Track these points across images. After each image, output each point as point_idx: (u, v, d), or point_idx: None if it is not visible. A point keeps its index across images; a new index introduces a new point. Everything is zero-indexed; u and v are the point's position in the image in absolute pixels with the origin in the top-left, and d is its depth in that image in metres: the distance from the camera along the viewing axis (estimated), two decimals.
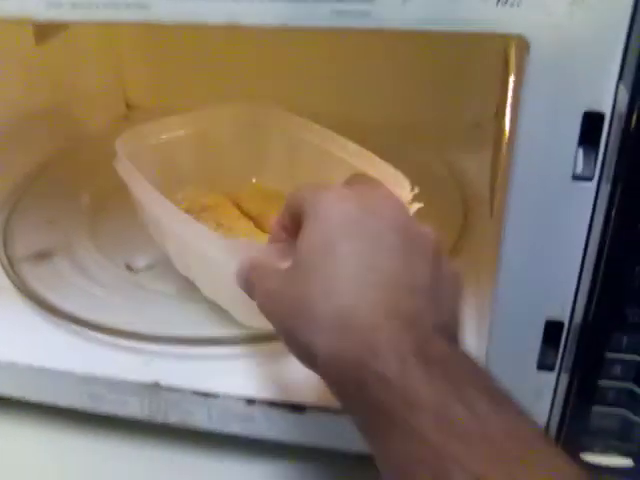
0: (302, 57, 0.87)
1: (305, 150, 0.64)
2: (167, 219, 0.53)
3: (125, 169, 0.57)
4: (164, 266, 0.62)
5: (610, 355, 0.40)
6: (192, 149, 0.66)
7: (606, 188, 0.36)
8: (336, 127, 0.81)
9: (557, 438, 0.44)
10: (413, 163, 0.77)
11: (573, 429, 0.44)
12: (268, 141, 0.65)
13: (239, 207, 0.66)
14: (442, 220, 0.49)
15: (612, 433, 0.43)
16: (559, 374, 0.43)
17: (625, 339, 0.40)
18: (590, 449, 0.44)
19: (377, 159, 0.56)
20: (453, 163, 0.78)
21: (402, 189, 0.50)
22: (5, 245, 0.67)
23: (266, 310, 0.38)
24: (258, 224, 0.63)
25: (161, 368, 0.54)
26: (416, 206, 0.49)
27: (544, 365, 0.43)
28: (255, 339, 0.54)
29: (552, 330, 0.42)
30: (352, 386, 0.31)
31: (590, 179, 0.37)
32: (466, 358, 0.31)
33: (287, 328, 0.35)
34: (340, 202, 0.35)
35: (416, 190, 0.50)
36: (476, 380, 0.30)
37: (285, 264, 0.37)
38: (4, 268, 0.63)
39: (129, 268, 0.64)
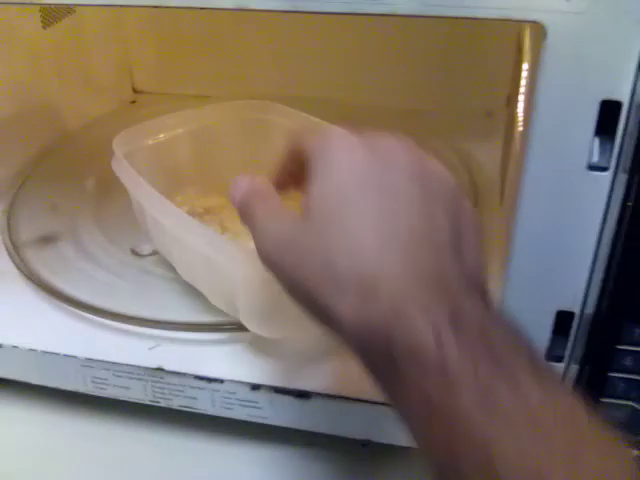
0: (310, 41, 0.86)
1: None
2: (173, 224, 0.53)
3: (123, 170, 0.56)
4: None
5: (621, 347, 0.40)
6: (192, 148, 0.65)
7: (622, 179, 0.36)
8: (344, 112, 0.81)
9: None
10: (423, 149, 0.78)
11: None
12: (271, 139, 0.63)
13: None
14: None
15: (621, 425, 0.43)
16: (568, 365, 0.43)
17: (637, 331, 0.39)
18: None
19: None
20: (463, 150, 0.77)
21: None
22: (9, 229, 0.66)
23: (272, 258, 0.33)
24: None
25: (165, 353, 0.54)
26: None
27: (553, 356, 0.43)
28: None
29: (563, 320, 0.41)
30: (381, 358, 0.28)
31: (606, 169, 0.36)
32: (501, 320, 0.28)
33: (300, 284, 0.31)
34: (350, 151, 0.32)
35: None
36: (517, 350, 0.27)
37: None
38: (9, 252, 0.63)
39: (134, 253, 0.64)
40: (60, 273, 0.61)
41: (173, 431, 0.56)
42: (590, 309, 0.40)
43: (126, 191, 0.57)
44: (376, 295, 0.28)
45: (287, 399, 0.50)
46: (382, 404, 0.48)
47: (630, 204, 0.36)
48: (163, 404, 0.54)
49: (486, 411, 0.25)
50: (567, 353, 0.42)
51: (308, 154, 0.34)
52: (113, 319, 0.55)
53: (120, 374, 0.53)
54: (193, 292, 0.57)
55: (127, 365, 0.53)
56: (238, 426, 0.54)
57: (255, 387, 0.51)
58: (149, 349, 0.54)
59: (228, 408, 0.52)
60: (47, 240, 0.66)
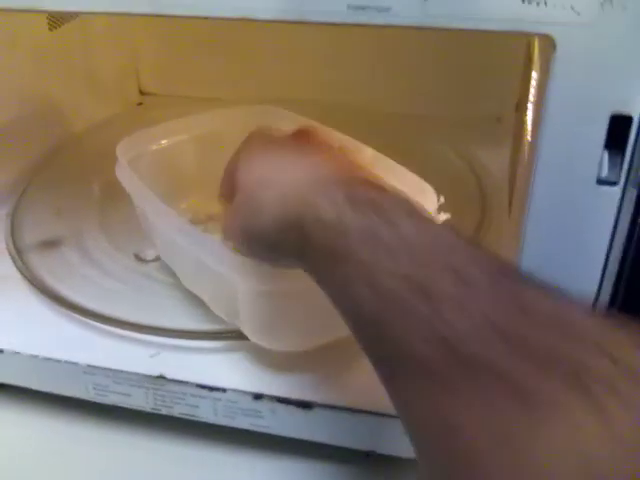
0: (319, 44, 0.85)
1: None
2: (174, 233, 0.52)
3: (126, 176, 0.56)
4: None
5: None
6: (196, 154, 0.64)
7: (632, 194, 0.35)
8: (352, 117, 0.81)
9: None
10: (431, 156, 0.77)
11: None
12: None
13: None
14: (459, 215, 0.48)
15: None
16: None
17: None
18: None
19: (398, 166, 0.54)
20: (472, 156, 0.77)
21: (427, 198, 0.49)
22: (13, 233, 0.66)
23: (233, 226, 0.43)
24: None
25: (167, 360, 0.53)
26: (443, 217, 0.47)
27: None
28: None
29: None
30: (299, 240, 0.35)
31: (615, 184, 0.36)
32: (392, 196, 0.35)
33: (251, 228, 0.41)
34: (250, 145, 0.46)
35: (442, 200, 0.49)
36: (400, 204, 0.33)
37: None
38: (12, 257, 0.63)
39: (138, 258, 0.63)
40: (63, 278, 0.60)
41: (173, 438, 0.55)
42: None
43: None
44: (289, 198, 0.37)
45: (290, 409, 0.50)
46: (386, 415, 0.48)
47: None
48: (164, 412, 0.54)
49: (370, 246, 0.31)
50: None
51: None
52: (115, 326, 0.55)
53: (121, 381, 0.53)
54: (196, 299, 0.57)
55: (129, 373, 0.52)
56: (240, 435, 0.53)
57: (257, 396, 0.50)
58: (150, 356, 0.54)
59: (230, 417, 0.52)
60: (51, 244, 0.65)
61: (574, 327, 0.26)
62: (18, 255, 0.63)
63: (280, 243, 0.39)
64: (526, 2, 0.32)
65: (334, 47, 0.84)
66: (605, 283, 0.38)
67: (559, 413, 0.24)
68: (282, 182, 0.39)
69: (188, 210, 0.64)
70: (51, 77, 0.80)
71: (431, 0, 0.33)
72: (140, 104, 0.97)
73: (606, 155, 0.35)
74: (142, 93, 0.98)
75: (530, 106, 0.52)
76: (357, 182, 0.36)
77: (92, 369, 0.53)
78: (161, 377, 0.52)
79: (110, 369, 0.53)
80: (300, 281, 0.44)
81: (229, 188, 0.45)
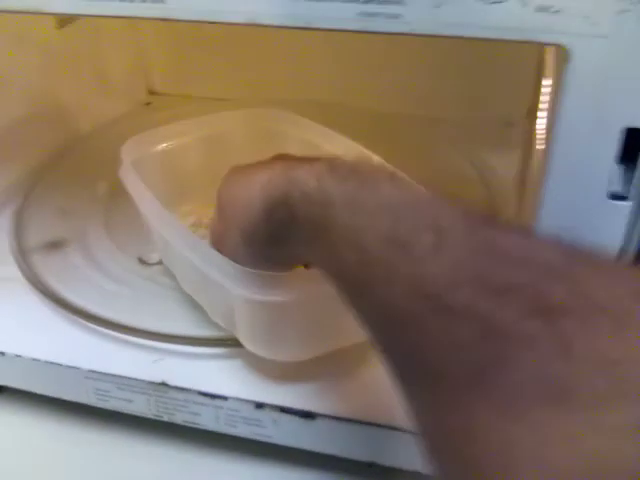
0: (328, 46, 0.84)
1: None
2: (172, 238, 0.52)
3: (128, 178, 0.55)
4: None
5: None
6: (201, 156, 0.63)
7: None
8: (361, 119, 0.80)
9: None
10: (439, 160, 0.77)
11: None
12: (281, 148, 0.61)
13: None
14: None
15: None
16: None
17: None
18: None
19: (398, 172, 0.53)
20: (480, 160, 0.76)
21: None
22: (17, 234, 0.65)
23: (226, 251, 0.46)
24: None
25: (169, 367, 0.53)
26: None
27: None
28: None
29: None
30: (286, 216, 0.37)
31: (626, 198, 0.35)
32: (372, 164, 0.37)
33: (240, 230, 0.43)
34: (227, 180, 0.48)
35: None
36: (379, 170, 0.35)
37: None
38: (15, 258, 0.62)
39: (141, 261, 0.63)
40: (66, 281, 0.60)
41: (175, 444, 0.55)
42: None
43: None
44: (271, 185, 0.39)
45: (292, 419, 0.49)
46: (389, 427, 0.47)
47: None
48: (166, 419, 0.53)
49: (352, 211, 0.32)
50: None
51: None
52: (118, 331, 0.54)
53: (123, 387, 0.52)
54: (199, 304, 0.56)
55: (130, 379, 0.52)
56: (241, 443, 0.53)
57: (259, 405, 0.50)
58: (153, 362, 0.53)
59: (232, 425, 0.51)
60: (55, 246, 0.65)
61: (543, 264, 0.27)
62: (21, 256, 0.62)
63: (272, 230, 0.40)
64: (539, 11, 0.31)
65: (343, 49, 0.83)
66: None
67: (524, 347, 0.25)
68: (262, 175, 0.41)
69: (191, 212, 0.63)
70: (59, 76, 0.80)
71: (443, 7, 0.32)
72: (149, 104, 0.96)
73: (618, 169, 0.35)
74: (151, 93, 0.97)
75: (541, 114, 0.51)
76: (336, 157, 0.38)
77: (93, 374, 0.53)
78: (163, 384, 0.51)
79: (112, 374, 0.52)
80: (297, 292, 0.44)
81: (221, 226, 0.47)
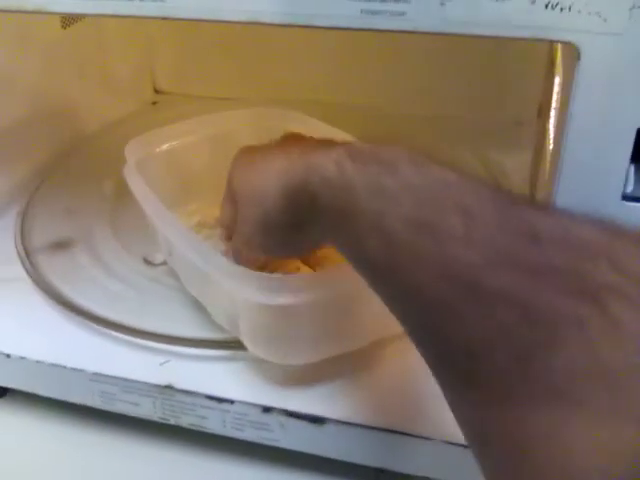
0: (334, 45, 0.83)
1: None
2: (175, 239, 0.51)
3: (132, 179, 0.55)
4: None
5: None
6: (207, 155, 0.63)
7: None
8: (369, 119, 0.79)
9: None
10: (447, 160, 0.75)
11: None
12: None
13: None
14: None
15: None
16: None
17: None
18: None
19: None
20: (491, 161, 0.75)
21: None
22: (23, 234, 0.65)
23: (244, 241, 0.45)
24: None
25: (176, 370, 0.52)
26: None
27: None
28: None
29: None
30: (306, 203, 0.36)
31: None
32: (391, 146, 0.34)
33: (259, 222, 0.42)
34: (240, 160, 0.47)
35: None
36: (400, 152, 0.33)
37: None
38: (20, 258, 0.62)
39: (147, 262, 0.62)
40: (71, 281, 0.59)
41: (182, 447, 0.55)
42: None
43: None
44: (290, 172, 0.38)
45: (300, 424, 0.48)
46: (399, 432, 0.47)
47: None
48: (173, 422, 0.53)
49: (375, 196, 0.31)
50: None
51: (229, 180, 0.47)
52: (124, 333, 0.54)
53: (129, 390, 0.52)
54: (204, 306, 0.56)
55: (136, 381, 0.51)
56: (249, 446, 0.52)
57: (267, 409, 0.49)
58: (160, 364, 0.52)
59: (239, 429, 0.51)
60: (60, 246, 0.64)
61: (581, 243, 0.26)
62: (27, 257, 0.62)
63: (292, 217, 0.39)
64: (549, 8, 0.30)
65: (350, 48, 0.83)
66: None
67: (573, 329, 0.24)
68: (280, 162, 0.40)
69: (196, 212, 0.63)
70: (64, 75, 0.79)
71: (449, 4, 0.31)
72: (155, 103, 0.96)
73: (632, 170, 0.34)
74: (157, 92, 0.97)
75: (552, 113, 0.50)
76: (355, 142, 0.38)
77: (98, 377, 0.52)
78: (169, 387, 0.51)
79: (117, 377, 0.52)
80: (303, 295, 0.44)
81: (232, 209, 0.46)
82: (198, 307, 0.56)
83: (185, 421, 0.52)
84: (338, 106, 0.78)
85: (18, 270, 0.61)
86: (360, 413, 0.48)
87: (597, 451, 0.23)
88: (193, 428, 0.52)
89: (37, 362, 0.54)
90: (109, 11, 0.38)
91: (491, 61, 0.80)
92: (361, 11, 0.32)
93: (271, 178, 0.40)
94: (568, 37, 0.31)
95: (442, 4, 0.31)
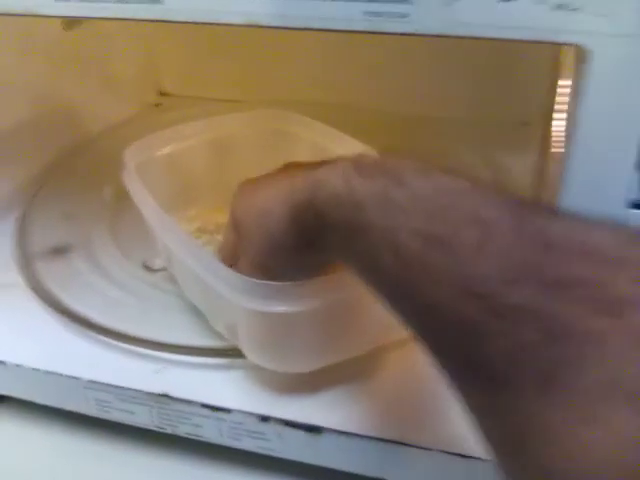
0: (339, 47, 0.83)
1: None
2: (173, 245, 0.50)
3: (131, 183, 0.54)
4: None
5: None
6: (208, 159, 0.62)
7: None
8: (374, 120, 0.78)
9: None
10: (452, 161, 0.74)
11: None
12: (291, 150, 0.61)
13: None
14: None
15: None
16: None
17: None
18: None
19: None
20: (497, 162, 0.74)
21: None
22: (20, 239, 0.64)
23: (249, 270, 0.43)
24: None
25: (172, 378, 0.51)
26: None
27: None
28: None
29: None
30: (315, 222, 0.35)
31: None
32: (396, 158, 0.34)
33: (265, 246, 0.41)
34: (240, 195, 0.46)
35: None
36: (406, 164, 0.32)
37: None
38: (18, 264, 0.61)
39: (146, 267, 0.61)
40: (69, 288, 0.58)
41: (179, 456, 0.54)
42: None
43: None
44: (296, 191, 0.37)
45: (297, 433, 0.48)
46: (399, 442, 0.46)
47: None
48: (169, 431, 0.52)
49: (385, 211, 0.30)
50: None
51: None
52: (120, 340, 0.53)
53: (124, 398, 0.51)
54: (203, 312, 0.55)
55: (132, 390, 0.50)
56: (246, 455, 0.51)
57: (264, 419, 0.48)
58: (155, 372, 0.51)
59: (235, 438, 0.50)
60: (59, 251, 0.64)
61: (598, 252, 0.25)
62: (24, 263, 0.61)
63: (301, 237, 0.38)
64: (557, 9, 0.29)
65: (354, 49, 0.82)
66: None
67: (594, 345, 0.24)
68: (284, 184, 0.39)
69: (197, 217, 0.62)
70: (66, 77, 0.78)
71: (454, 6, 0.30)
72: (158, 105, 0.95)
73: (637, 177, 0.33)
74: (161, 94, 0.96)
75: (559, 115, 0.49)
76: (359, 155, 0.36)
77: (94, 384, 0.51)
78: (165, 395, 0.50)
79: (112, 385, 0.51)
80: (302, 303, 0.43)
81: (234, 238, 0.45)
82: (196, 314, 0.55)
83: (182, 430, 0.51)
84: (342, 108, 0.77)
85: (15, 276, 0.60)
86: (358, 422, 0.47)
87: (622, 470, 0.23)
88: (189, 437, 0.51)
89: (33, 369, 0.53)
90: (107, 14, 0.37)
91: (496, 61, 0.79)
92: (363, 13, 0.31)
93: (276, 200, 0.39)
94: (577, 39, 0.30)
95: (446, 5, 0.30)
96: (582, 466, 0.23)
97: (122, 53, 0.87)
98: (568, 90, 0.43)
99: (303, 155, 0.57)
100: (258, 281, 0.42)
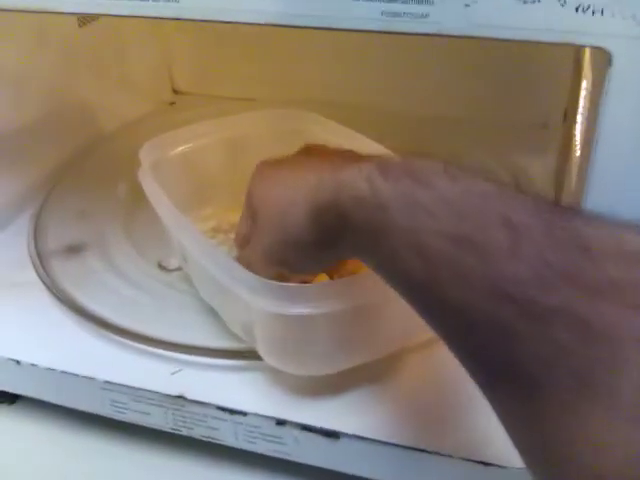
0: (355, 46, 0.82)
1: None
2: (189, 245, 0.50)
3: (147, 182, 0.54)
4: None
5: None
6: (224, 158, 0.61)
7: None
8: (391, 121, 0.78)
9: None
10: (470, 163, 0.73)
11: None
12: None
13: None
14: None
15: None
16: None
17: None
18: None
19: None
20: (515, 164, 0.73)
21: None
22: (36, 237, 0.64)
23: (260, 264, 0.43)
24: None
25: (188, 379, 0.51)
26: None
27: None
28: None
29: None
30: (337, 222, 0.35)
31: None
32: (421, 159, 0.34)
33: (281, 241, 0.41)
34: (259, 176, 0.46)
35: None
36: (431, 165, 0.32)
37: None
38: (33, 263, 0.61)
39: (161, 267, 0.61)
40: (84, 287, 0.58)
41: (192, 458, 0.53)
42: None
43: None
44: (318, 190, 0.37)
45: (314, 437, 0.47)
46: (415, 449, 0.45)
47: None
48: (184, 433, 0.51)
49: (410, 212, 0.30)
50: None
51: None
52: (136, 341, 0.53)
53: (140, 399, 0.51)
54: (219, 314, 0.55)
55: (147, 391, 0.50)
56: (262, 458, 0.51)
57: (280, 422, 0.48)
58: (171, 374, 0.51)
59: (251, 442, 0.49)
60: (74, 249, 0.63)
61: (634, 254, 0.25)
62: (40, 261, 0.61)
63: (321, 235, 0.38)
64: (580, 11, 0.29)
65: (371, 49, 0.81)
66: None
67: (634, 347, 0.24)
68: (309, 179, 0.38)
69: (211, 217, 0.62)
70: (81, 75, 0.78)
71: (474, 6, 0.30)
72: (173, 103, 0.95)
73: None
74: (175, 92, 0.96)
75: (579, 118, 0.48)
76: (384, 156, 0.36)
77: (109, 385, 0.51)
78: (181, 397, 0.49)
79: (128, 386, 0.51)
80: (321, 305, 0.42)
81: (248, 224, 0.45)
82: (212, 315, 0.55)
83: (197, 432, 0.51)
84: (357, 108, 0.76)
85: (30, 274, 0.60)
86: (377, 428, 0.46)
87: None
88: (205, 440, 0.51)
89: (48, 369, 0.53)
90: (122, 12, 0.37)
91: (515, 62, 0.77)
92: (382, 13, 0.31)
93: (298, 194, 0.39)
94: (600, 42, 0.29)
95: (467, 6, 0.29)
96: (634, 473, 0.23)
97: (137, 51, 0.87)
98: (590, 93, 0.42)
99: None
100: (276, 283, 0.42)
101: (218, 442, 0.51)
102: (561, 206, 0.29)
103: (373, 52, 0.82)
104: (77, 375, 0.52)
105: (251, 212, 0.45)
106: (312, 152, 0.45)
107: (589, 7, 0.28)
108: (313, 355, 0.47)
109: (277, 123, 0.62)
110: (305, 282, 0.47)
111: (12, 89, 0.69)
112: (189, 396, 0.49)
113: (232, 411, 0.49)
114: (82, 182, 0.73)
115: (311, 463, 0.49)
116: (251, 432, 0.49)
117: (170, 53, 0.94)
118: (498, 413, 0.29)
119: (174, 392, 0.50)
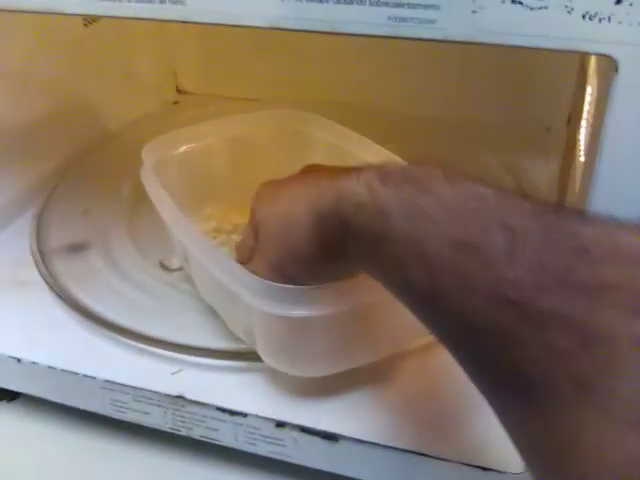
0: (360, 47, 0.82)
1: (348, 162, 0.59)
2: (190, 245, 0.50)
3: (149, 182, 0.54)
4: None
5: None
6: (226, 158, 0.61)
7: None
8: (395, 122, 0.78)
9: None
10: (473, 165, 0.74)
11: None
12: (307, 151, 0.60)
13: None
14: None
15: None
16: None
17: None
18: None
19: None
20: (517, 168, 0.73)
21: None
22: (38, 236, 0.64)
23: (266, 273, 0.43)
24: None
25: (188, 379, 0.51)
26: None
27: None
28: None
29: None
30: (339, 231, 0.35)
31: None
32: (422, 166, 0.34)
33: (285, 251, 0.41)
34: (262, 197, 0.46)
35: None
36: (431, 171, 0.32)
37: None
38: (35, 261, 0.61)
39: (163, 267, 0.61)
40: (86, 286, 0.58)
41: (191, 458, 0.53)
42: None
43: None
44: (319, 199, 0.37)
45: (314, 440, 0.47)
46: (415, 453, 0.45)
47: None
48: (184, 433, 0.51)
49: (411, 219, 0.30)
50: None
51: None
52: (136, 340, 0.53)
53: (140, 399, 0.51)
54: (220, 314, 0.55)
55: (147, 390, 0.50)
56: (261, 459, 0.51)
57: (280, 424, 0.48)
58: (172, 374, 0.51)
59: (251, 443, 0.49)
60: (76, 248, 0.64)
61: (631, 255, 0.25)
62: (42, 260, 0.61)
63: (325, 246, 0.38)
64: (587, 18, 0.29)
65: (375, 50, 0.81)
66: None
67: (631, 350, 0.24)
68: (309, 190, 0.39)
69: (213, 217, 0.62)
70: (85, 74, 0.78)
71: (481, 13, 0.30)
72: (177, 103, 0.95)
73: None
74: (179, 92, 0.96)
75: (584, 123, 0.48)
76: (382, 164, 0.36)
77: (110, 384, 0.51)
78: (180, 397, 0.49)
79: (128, 386, 0.51)
80: (321, 307, 0.42)
81: (252, 237, 0.45)
82: (213, 315, 0.55)
83: (196, 433, 0.51)
84: (360, 109, 0.77)
85: (32, 273, 0.60)
86: (376, 431, 0.46)
87: None
88: (204, 440, 0.51)
89: (49, 367, 0.53)
90: (128, 14, 0.37)
91: (520, 65, 0.77)
92: (388, 18, 0.31)
93: (300, 206, 0.39)
94: (606, 49, 0.29)
95: (474, 12, 0.29)
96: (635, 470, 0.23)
97: (141, 50, 0.87)
98: (595, 99, 0.42)
99: (319, 156, 0.58)
100: (276, 284, 0.42)
101: (218, 443, 0.51)
102: (559, 207, 0.29)
103: (376, 54, 0.82)
104: (78, 374, 0.52)
105: (254, 228, 0.45)
106: (311, 170, 0.45)
107: (596, 14, 0.28)
108: (313, 357, 0.47)
109: (280, 123, 0.62)
110: None
111: (17, 88, 0.69)
112: (189, 396, 0.49)
113: (232, 412, 0.49)
114: (85, 181, 0.73)
115: (310, 465, 0.49)
116: (251, 433, 0.49)
117: (174, 53, 0.94)
118: (498, 415, 0.29)
119: (174, 392, 0.50)
